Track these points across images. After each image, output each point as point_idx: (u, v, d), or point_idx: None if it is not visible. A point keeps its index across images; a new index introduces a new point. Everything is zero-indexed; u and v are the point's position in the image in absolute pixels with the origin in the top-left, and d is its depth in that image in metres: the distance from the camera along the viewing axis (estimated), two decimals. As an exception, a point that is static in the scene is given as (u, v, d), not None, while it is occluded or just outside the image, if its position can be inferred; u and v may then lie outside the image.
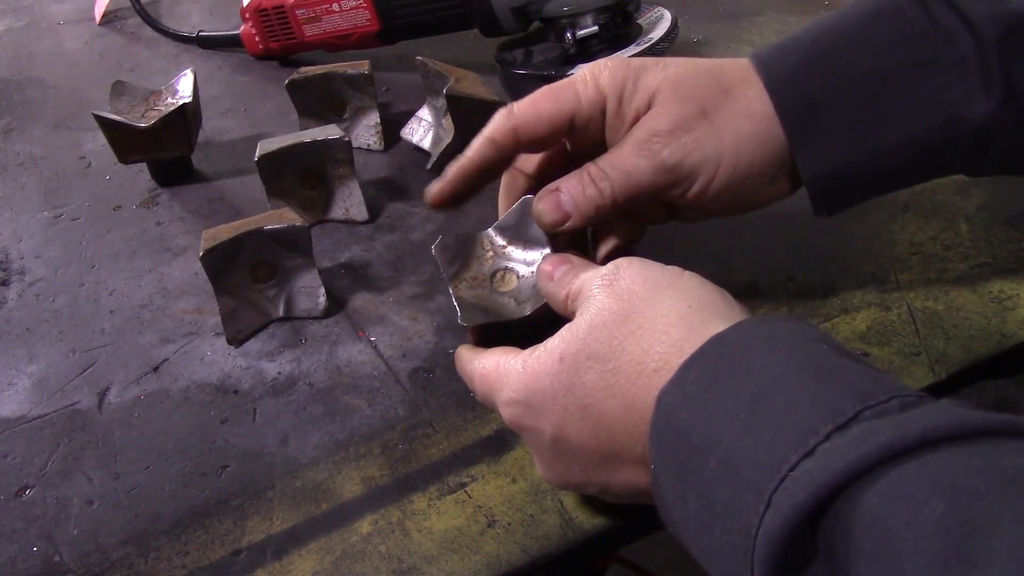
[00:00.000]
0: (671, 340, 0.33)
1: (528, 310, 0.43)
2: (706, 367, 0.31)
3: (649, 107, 0.42)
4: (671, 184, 0.42)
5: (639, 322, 0.34)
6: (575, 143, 0.46)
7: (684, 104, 0.42)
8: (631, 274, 0.36)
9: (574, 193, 0.43)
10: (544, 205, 0.44)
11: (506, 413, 0.38)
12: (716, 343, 0.32)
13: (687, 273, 0.36)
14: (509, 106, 0.44)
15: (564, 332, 0.36)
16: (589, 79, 0.44)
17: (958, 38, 0.40)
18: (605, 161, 0.43)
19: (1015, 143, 0.41)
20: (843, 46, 0.41)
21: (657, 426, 0.32)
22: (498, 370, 0.38)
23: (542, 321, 0.42)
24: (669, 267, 0.37)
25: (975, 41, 0.39)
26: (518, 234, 0.46)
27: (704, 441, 0.29)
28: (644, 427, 0.33)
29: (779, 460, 0.27)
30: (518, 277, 0.46)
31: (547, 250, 0.45)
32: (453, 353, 0.49)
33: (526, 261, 0.46)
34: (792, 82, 0.41)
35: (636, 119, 0.43)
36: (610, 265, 0.37)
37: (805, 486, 0.26)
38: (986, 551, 0.22)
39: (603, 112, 0.44)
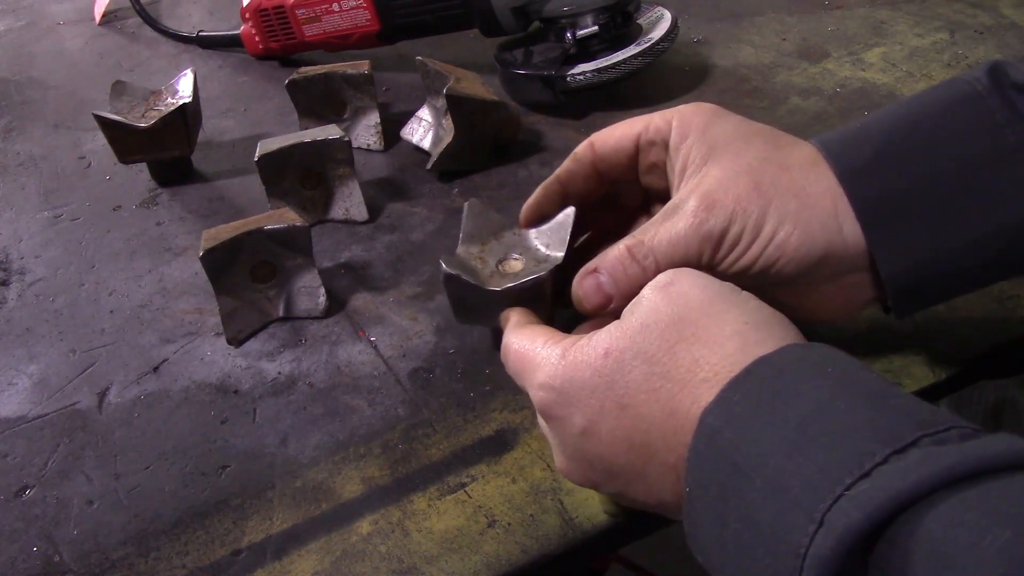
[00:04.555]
0: (725, 352, 0.32)
1: (500, 286, 0.43)
2: (751, 388, 0.30)
3: (705, 162, 0.42)
4: (714, 252, 0.41)
5: (693, 330, 0.34)
6: (640, 166, 0.46)
7: (740, 175, 0.40)
8: (688, 282, 0.35)
9: (614, 273, 0.41)
10: (583, 291, 0.42)
11: (537, 397, 0.37)
12: (762, 365, 0.31)
13: (745, 292, 0.36)
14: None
15: (612, 328, 0.35)
16: (668, 112, 0.44)
17: None
18: (648, 232, 0.41)
19: None
20: (921, 135, 0.40)
21: (697, 447, 0.31)
22: (535, 352, 0.38)
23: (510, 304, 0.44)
24: (727, 283, 0.36)
25: None
26: (543, 238, 0.47)
27: (749, 461, 0.29)
28: (683, 437, 0.32)
29: (833, 481, 0.26)
30: (518, 269, 0.46)
31: (560, 255, 0.45)
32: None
33: (540, 259, 0.46)
34: (868, 174, 0.40)
35: (687, 167, 0.42)
36: (666, 273, 0.37)
37: (861, 506, 0.25)
38: None
39: (666, 142, 0.44)
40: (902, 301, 0.41)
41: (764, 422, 0.29)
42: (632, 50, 0.68)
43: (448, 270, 0.43)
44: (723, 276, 0.40)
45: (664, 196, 0.46)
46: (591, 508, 0.40)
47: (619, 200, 0.49)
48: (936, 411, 0.28)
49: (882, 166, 0.40)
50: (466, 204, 0.47)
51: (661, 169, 0.45)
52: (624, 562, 1.02)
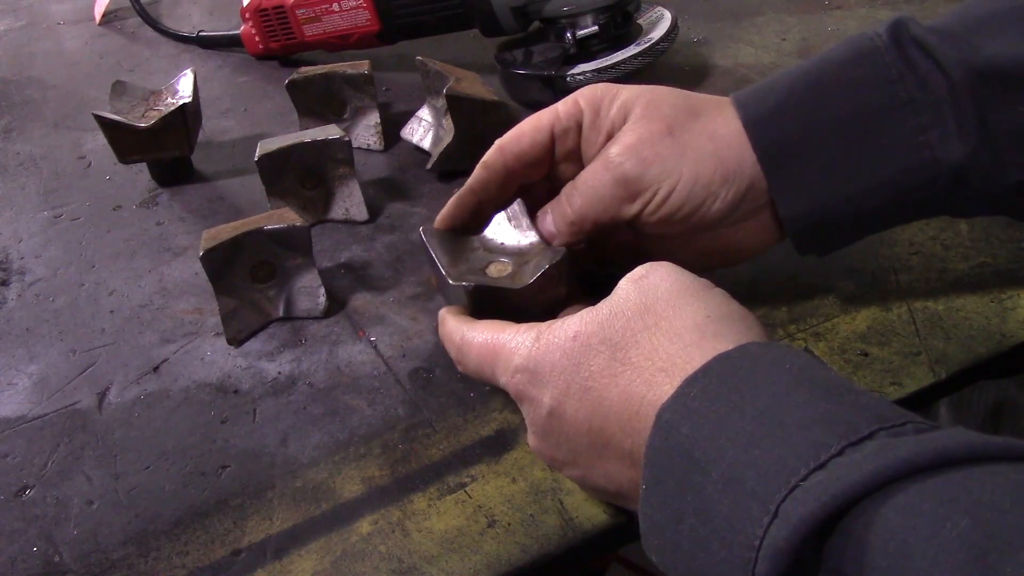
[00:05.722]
0: (682, 343, 0.33)
1: (529, 279, 0.43)
2: (710, 384, 0.31)
3: (624, 123, 0.44)
4: (632, 196, 0.43)
5: (656, 319, 0.35)
6: (556, 163, 0.48)
7: (652, 122, 0.43)
8: (660, 275, 0.37)
9: (553, 213, 0.46)
10: (539, 226, 0.46)
11: (512, 380, 0.38)
12: (721, 361, 0.31)
13: (716, 288, 0.37)
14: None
15: (584, 313, 0.37)
16: (570, 97, 0.46)
17: (932, 82, 0.40)
18: (578, 178, 0.45)
19: (992, 185, 0.41)
20: (821, 88, 0.42)
21: (654, 442, 0.31)
22: (505, 339, 0.39)
23: (539, 300, 0.43)
24: (701, 278, 0.37)
25: (949, 84, 0.40)
26: (506, 234, 0.47)
27: (706, 455, 0.29)
28: (637, 423, 0.33)
29: (788, 472, 0.26)
30: (510, 267, 0.46)
31: (535, 238, 0.46)
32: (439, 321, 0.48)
33: (519, 251, 0.46)
34: (769, 122, 0.42)
35: (610, 134, 0.45)
36: (643, 266, 0.38)
37: (817, 496, 0.25)
38: (1015, 566, 0.22)
39: (579, 124, 0.46)
40: (803, 242, 0.45)
41: (721, 416, 0.29)
42: (632, 50, 0.68)
43: (472, 283, 0.43)
44: (653, 224, 0.44)
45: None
46: (591, 508, 0.40)
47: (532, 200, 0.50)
48: (893, 407, 0.28)
49: (782, 115, 0.42)
50: (421, 233, 0.47)
51: (576, 154, 0.47)
52: (624, 562, 1.03)
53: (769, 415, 0.28)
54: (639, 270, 0.38)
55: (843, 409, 0.28)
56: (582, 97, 0.46)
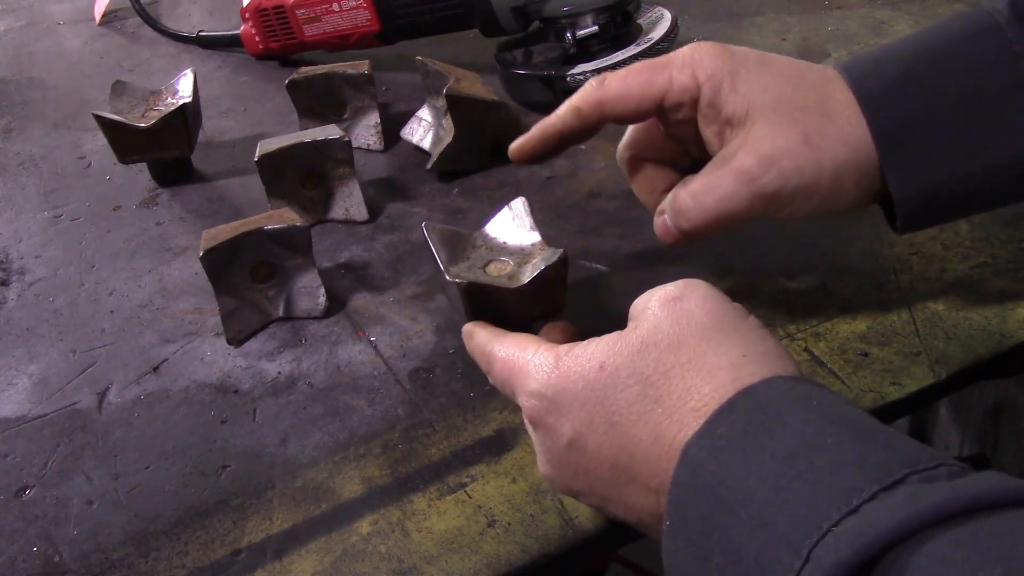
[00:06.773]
0: (717, 384, 0.32)
1: (526, 278, 0.43)
2: (736, 420, 0.30)
3: (746, 117, 0.42)
4: (766, 208, 0.42)
5: (690, 355, 0.33)
6: (665, 124, 0.46)
7: (786, 128, 0.41)
8: (697, 300, 0.35)
9: (674, 218, 0.44)
10: (657, 230, 0.46)
11: (527, 404, 0.36)
12: (747, 397, 0.31)
13: (751, 318, 0.35)
14: (602, 76, 0.45)
15: (611, 340, 0.35)
16: (686, 64, 0.43)
17: None
18: (701, 184, 0.42)
19: None
20: (940, 64, 0.41)
21: (680, 479, 0.30)
22: (525, 359, 0.37)
23: (536, 301, 0.43)
24: (734, 304, 0.36)
25: None
26: (509, 233, 0.47)
27: (734, 495, 0.28)
28: (667, 463, 0.32)
29: (820, 516, 0.26)
30: (511, 266, 0.46)
31: (538, 238, 0.46)
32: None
33: (520, 250, 0.46)
34: (886, 98, 0.41)
35: (729, 122, 0.43)
36: (677, 284, 0.36)
37: (849, 542, 0.24)
38: None
39: (695, 100, 0.44)
40: (910, 220, 0.43)
41: (749, 455, 0.29)
42: (632, 50, 0.68)
43: (466, 280, 0.42)
44: (777, 217, 0.43)
45: (691, 142, 0.47)
46: (591, 508, 0.40)
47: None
48: (924, 448, 0.28)
49: (900, 92, 0.41)
50: (424, 229, 0.46)
51: (690, 123, 0.45)
52: (624, 562, 1.02)
53: (799, 455, 0.28)
54: (672, 290, 0.36)
55: (874, 451, 0.27)
56: (700, 71, 0.43)
